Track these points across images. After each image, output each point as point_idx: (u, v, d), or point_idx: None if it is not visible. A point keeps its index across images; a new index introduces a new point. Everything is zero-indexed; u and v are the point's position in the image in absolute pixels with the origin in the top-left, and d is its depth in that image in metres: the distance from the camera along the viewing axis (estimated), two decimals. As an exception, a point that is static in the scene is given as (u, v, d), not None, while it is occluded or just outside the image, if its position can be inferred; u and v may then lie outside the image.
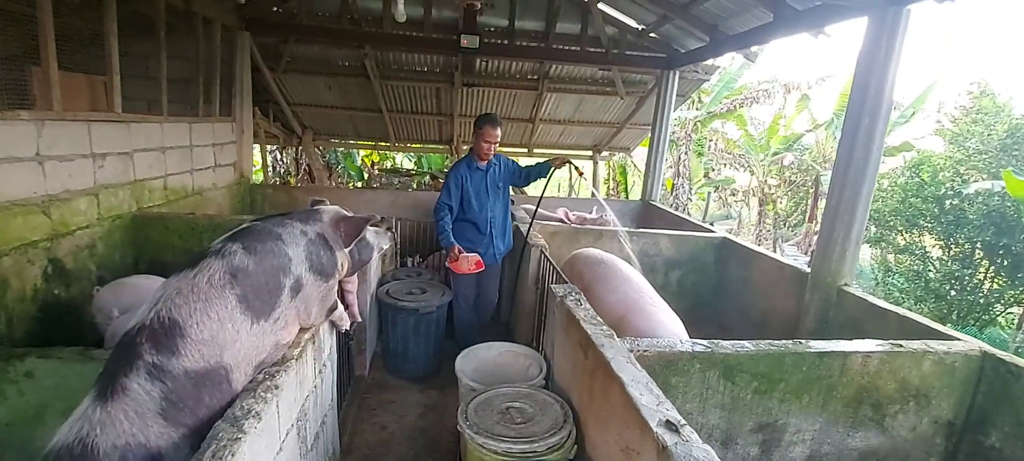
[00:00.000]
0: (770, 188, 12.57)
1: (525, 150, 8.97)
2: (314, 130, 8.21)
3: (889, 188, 8.89)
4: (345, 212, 2.17)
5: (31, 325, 3.07)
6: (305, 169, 8.90)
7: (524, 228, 4.09)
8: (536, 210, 4.34)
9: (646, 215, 6.40)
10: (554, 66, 6.72)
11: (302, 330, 2.15)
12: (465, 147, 8.70)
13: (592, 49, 6.22)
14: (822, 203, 11.15)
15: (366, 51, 6.18)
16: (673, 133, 10.70)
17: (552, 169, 3.80)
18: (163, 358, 1.44)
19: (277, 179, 9.51)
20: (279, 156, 9.52)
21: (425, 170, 8.28)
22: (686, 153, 11.22)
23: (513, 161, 3.94)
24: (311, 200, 2.28)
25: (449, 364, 3.05)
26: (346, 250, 2.12)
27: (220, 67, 5.22)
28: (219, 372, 1.55)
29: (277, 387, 1.76)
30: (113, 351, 1.49)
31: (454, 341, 3.86)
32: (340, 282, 2.71)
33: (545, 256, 3.50)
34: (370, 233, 2.33)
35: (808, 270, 3.72)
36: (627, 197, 11.71)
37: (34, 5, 3.01)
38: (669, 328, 2.77)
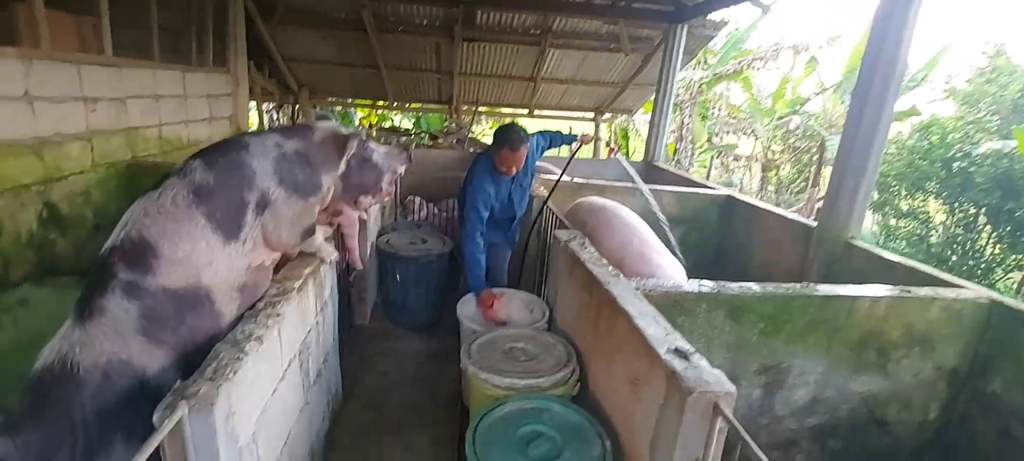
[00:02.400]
0: (773, 154, 12.43)
1: (525, 111, 8.82)
2: (310, 88, 8.03)
3: (896, 152, 8.78)
4: (342, 130, 2.01)
5: (28, 270, 3.02)
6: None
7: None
8: (559, 179, 3.95)
9: (649, 176, 6.28)
10: (558, 20, 6.52)
11: (302, 257, 2.09)
12: (464, 108, 8.57)
13: (597, 2, 6.03)
14: (826, 171, 11.06)
15: (363, 2, 5.99)
16: (677, 96, 10.52)
17: (577, 145, 3.68)
18: (137, 276, 1.41)
19: (275, 139, 9.36)
20: (275, 115, 9.36)
21: (424, 130, 8.14)
22: (690, 116, 11.04)
23: (536, 137, 3.48)
24: (316, 114, 2.13)
25: (449, 314, 3.03)
26: (338, 172, 1.98)
27: (213, 17, 5.06)
28: (200, 292, 1.52)
29: (279, 315, 1.73)
30: (88, 275, 1.45)
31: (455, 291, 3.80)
32: (339, 226, 2.66)
33: (548, 206, 3.44)
34: (378, 153, 2.15)
35: (814, 224, 3.68)
36: (628, 155, 11.58)
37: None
38: (670, 274, 2.73)
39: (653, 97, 6.57)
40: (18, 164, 2.95)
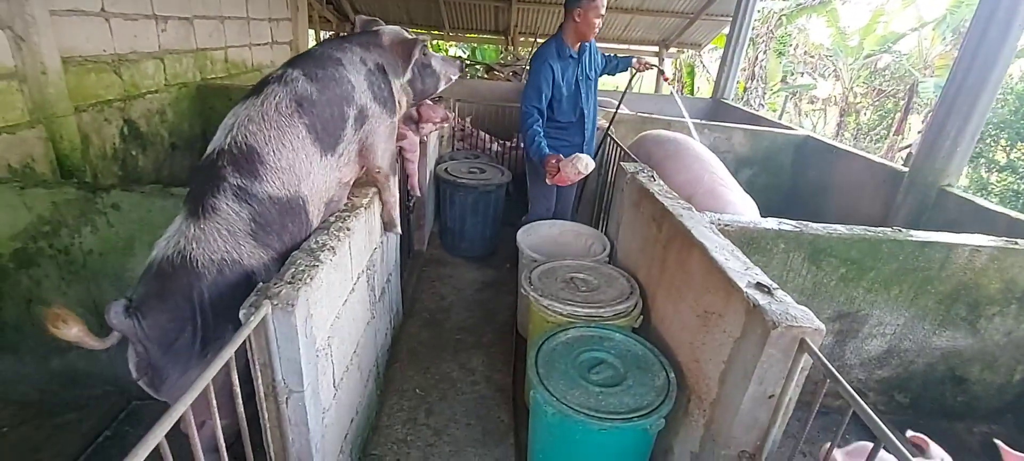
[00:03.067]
0: (855, 97, 11.42)
1: (586, 43, 8.42)
2: (366, 15, 7.95)
3: (1000, 97, 7.85)
4: (405, 34, 1.95)
5: (113, 182, 3.22)
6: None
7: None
8: (618, 108, 3.85)
9: (717, 113, 5.95)
10: (627, -60, 6.06)
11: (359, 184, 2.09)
12: (521, 39, 8.26)
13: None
14: (913, 117, 10.08)
15: (424, -78, 5.75)
16: (752, 30, 9.72)
17: (633, 70, 3.35)
18: (247, 181, 1.43)
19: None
20: (334, 44, 9.39)
21: (479, 61, 7.96)
22: (765, 52, 10.23)
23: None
24: (361, 20, 2.06)
25: (505, 246, 3.02)
26: (404, 80, 1.94)
27: (275, -64, 5.01)
28: (298, 202, 1.54)
29: (349, 230, 1.76)
30: (195, 175, 1.48)
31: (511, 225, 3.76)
32: (401, 150, 2.65)
33: (611, 137, 3.30)
34: (435, 59, 2.10)
35: (904, 169, 3.37)
36: (692, 93, 10.98)
37: None
38: (739, 210, 2.58)
39: (725, 30, 6.08)
40: (100, 80, 3.09)
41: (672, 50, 8.64)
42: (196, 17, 3.92)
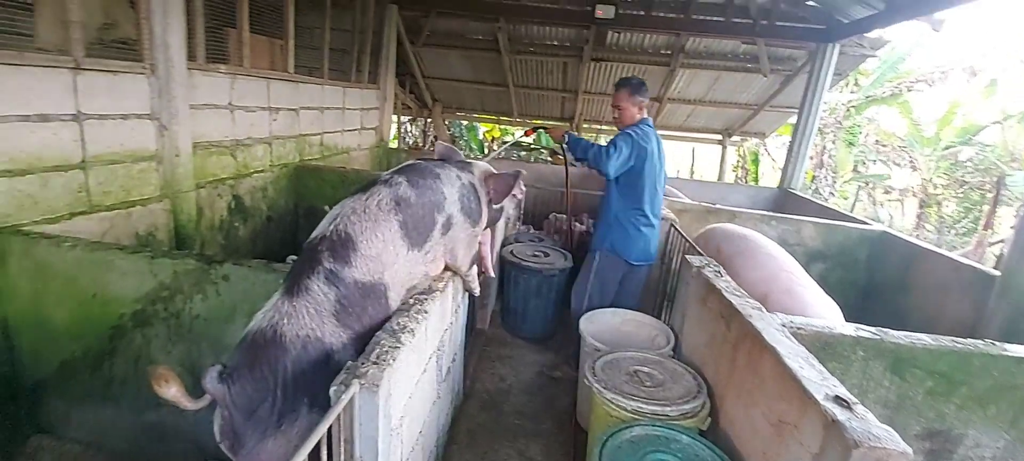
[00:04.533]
0: (935, 188, 10.81)
1: (649, 131, 8.64)
2: (443, 103, 8.63)
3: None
4: (493, 169, 2.26)
5: (215, 251, 3.61)
6: (432, 139, 9.41)
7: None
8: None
9: (784, 204, 5.85)
10: (691, 39, 6.34)
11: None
12: (585, 126, 8.62)
13: (738, 20, 5.76)
14: (1003, 210, 9.38)
15: (500, 24, 6.32)
16: (820, 119, 9.63)
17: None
18: (338, 266, 1.60)
19: (406, 147, 10.19)
20: (409, 126, 10.16)
21: (544, 146, 8.34)
22: (834, 142, 10.02)
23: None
24: (441, 147, 2.32)
25: (565, 330, 3.06)
26: (499, 205, 2.25)
27: (371, 38, 5.67)
28: (380, 287, 1.69)
29: (426, 312, 1.88)
30: (299, 256, 1.68)
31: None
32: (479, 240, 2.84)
33: (675, 228, 3.34)
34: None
35: (995, 272, 3.16)
36: (756, 180, 10.80)
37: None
38: (820, 313, 2.50)
39: (792, 120, 6.10)
40: (219, 162, 3.55)
41: (735, 138, 8.68)
42: (302, 108, 4.45)
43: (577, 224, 5.18)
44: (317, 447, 1.29)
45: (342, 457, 1.43)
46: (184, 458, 2.43)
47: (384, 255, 1.70)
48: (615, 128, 3.14)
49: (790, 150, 5.93)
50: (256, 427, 1.47)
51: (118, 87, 2.76)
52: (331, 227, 1.67)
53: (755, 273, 2.76)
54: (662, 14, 5.97)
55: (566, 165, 3.35)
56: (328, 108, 4.94)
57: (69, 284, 2.29)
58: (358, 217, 1.69)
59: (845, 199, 12.03)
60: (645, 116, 3.07)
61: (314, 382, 1.45)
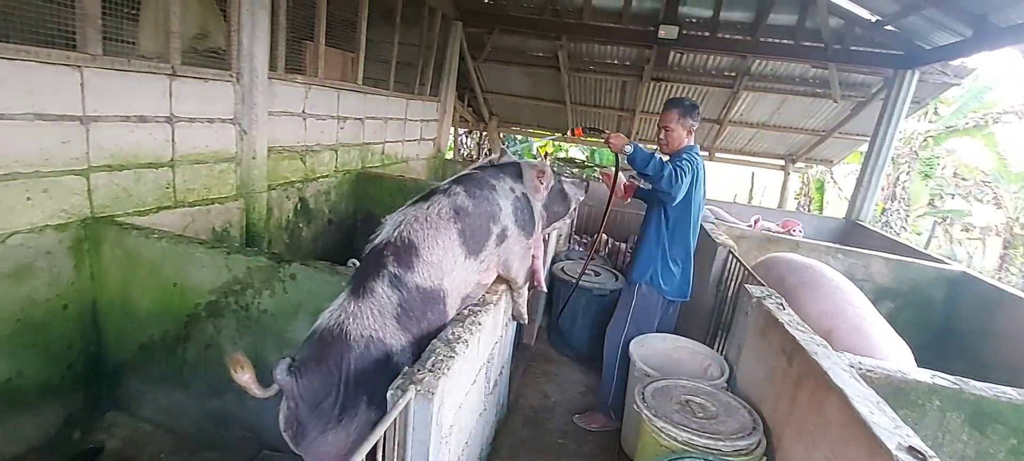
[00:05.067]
0: (1022, 228, 9.93)
1: (706, 154, 8.42)
2: (500, 117, 8.77)
3: None
4: (546, 166, 2.25)
5: (281, 249, 3.80)
6: (486, 152, 9.57)
7: None
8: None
9: (851, 237, 5.54)
10: (757, 62, 6.16)
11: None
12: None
13: (809, 44, 5.55)
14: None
15: (562, 42, 6.38)
16: (894, 149, 9.09)
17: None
18: (402, 271, 1.67)
19: (461, 158, 10.41)
20: (465, 138, 10.38)
21: (596, 164, 8.29)
22: (908, 173, 9.42)
23: None
24: (490, 156, 2.36)
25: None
26: (541, 203, 2.22)
27: (435, 53, 5.86)
28: (440, 293, 1.74)
29: (480, 324, 1.91)
30: (364, 259, 1.76)
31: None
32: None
33: (733, 255, 3.23)
34: (567, 183, 2.38)
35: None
36: (820, 209, 10.28)
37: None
38: (889, 354, 2.35)
39: (862, 148, 5.79)
40: (290, 166, 3.75)
41: (799, 164, 8.32)
42: (367, 118, 4.66)
43: (620, 243, 5.13)
44: (372, 449, 1.35)
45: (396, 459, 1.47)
46: (243, 444, 2.56)
47: (444, 262, 1.75)
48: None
49: (860, 180, 5.62)
50: (319, 419, 1.54)
51: (206, 93, 2.98)
52: (396, 233, 1.74)
53: (820, 305, 2.63)
54: (728, 36, 5.84)
55: (615, 178, 2.84)
56: (391, 118, 5.13)
57: (153, 272, 2.48)
58: (420, 225, 1.75)
59: (918, 234, 11.25)
60: (692, 142, 2.81)
61: (374, 380, 1.51)
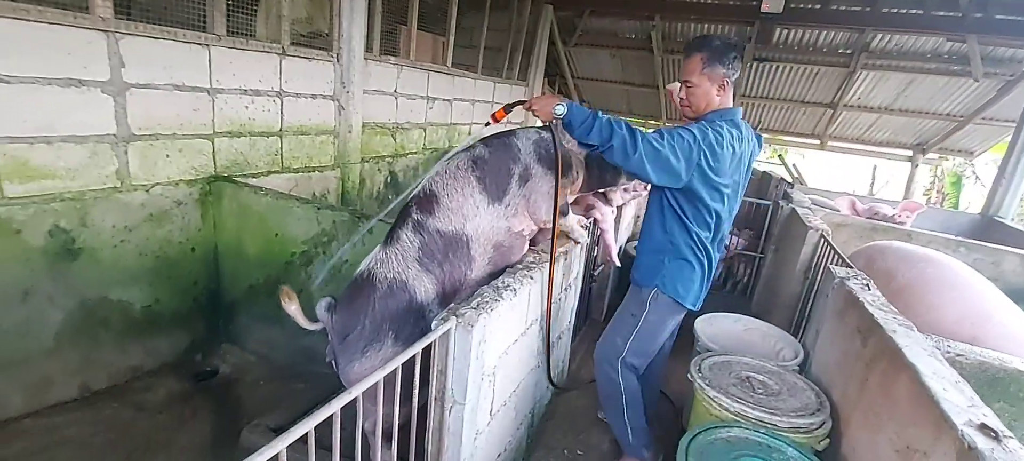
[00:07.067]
0: None
1: (817, 142, 7.70)
2: (590, 103, 8.71)
3: None
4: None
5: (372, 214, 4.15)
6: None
7: None
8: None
9: (986, 234, 4.80)
10: (878, 36, 5.52)
11: (559, 237, 2.29)
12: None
13: (941, 13, 4.87)
14: None
15: (655, 22, 6.20)
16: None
17: None
18: (423, 217, 1.84)
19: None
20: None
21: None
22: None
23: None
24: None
25: (682, 336, 2.82)
26: (578, 150, 2.07)
27: (524, 37, 5.98)
28: (462, 238, 1.87)
29: (531, 278, 1.98)
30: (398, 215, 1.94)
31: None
32: (595, 220, 2.85)
33: (827, 240, 2.97)
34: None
35: None
36: (956, 208, 8.93)
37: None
38: None
39: (1006, 137, 4.97)
40: (382, 141, 4.08)
41: (931, 155, 7.31)
42: (455, 99, 4.90)
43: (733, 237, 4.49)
44: (412, 371, 1.48)
45: (434, 386, 1.60)
46: (325, 377, 2.86)
47: (465, 207, 1.87)
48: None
49: (1002, 170, 4.83)
50: (346, 350, 1.77)
51: (310, 71, 3.34)
52: (421, 187, 1.92)
53: (958, 307, 2.21)
54: (843, 8, 5.30)
55: (557, 150, 1.96)
56: (478, 101, 5.34)
57: (260, 223, 2.86)
58: (441, 177, 1.91)
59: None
60: (728, 104, 2.00)
61: (397, 318, 1.69)
